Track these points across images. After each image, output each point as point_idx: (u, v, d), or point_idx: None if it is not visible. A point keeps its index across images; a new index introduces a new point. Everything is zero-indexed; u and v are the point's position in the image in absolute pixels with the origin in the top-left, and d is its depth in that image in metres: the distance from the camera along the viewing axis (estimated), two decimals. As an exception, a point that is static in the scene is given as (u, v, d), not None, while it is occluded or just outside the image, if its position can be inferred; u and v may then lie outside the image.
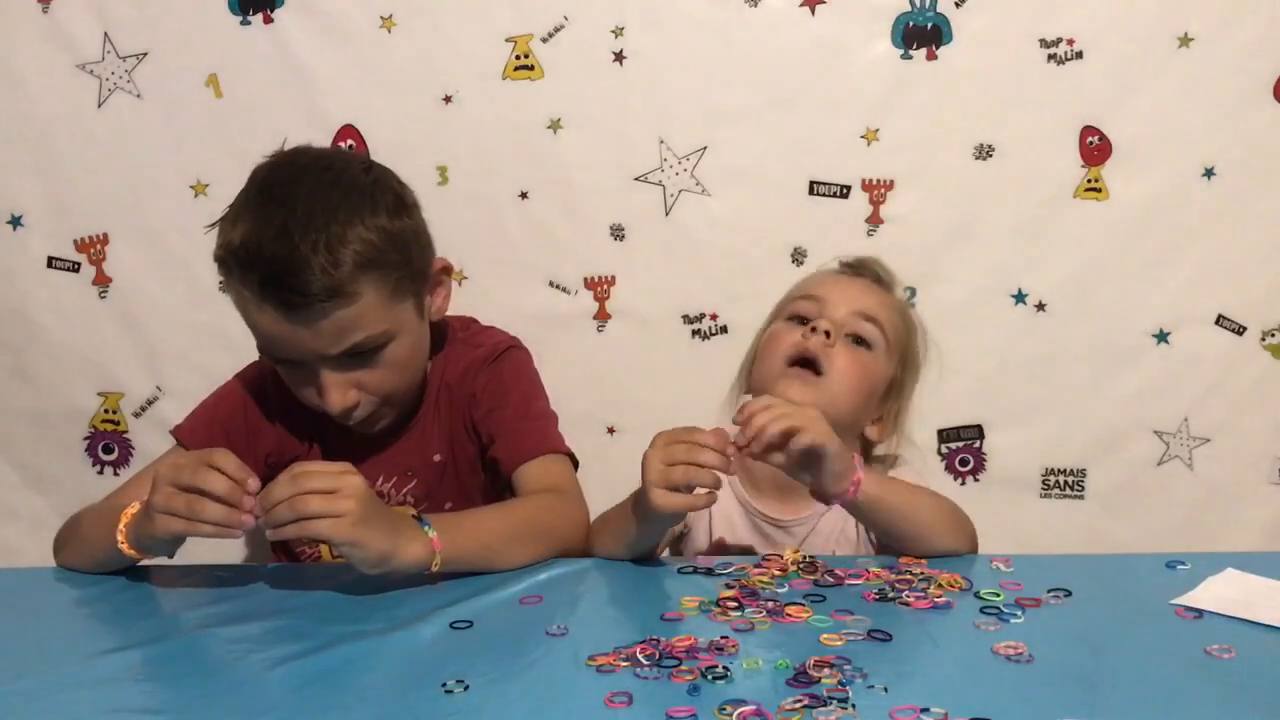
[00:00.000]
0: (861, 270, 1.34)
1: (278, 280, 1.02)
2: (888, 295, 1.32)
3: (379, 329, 1.08)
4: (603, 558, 1.08)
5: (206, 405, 1.23)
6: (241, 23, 1.65)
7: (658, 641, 0.84)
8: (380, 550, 0.94)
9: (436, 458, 1.22)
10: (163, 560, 1.07)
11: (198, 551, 1.60)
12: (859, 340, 1.22)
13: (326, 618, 0.93)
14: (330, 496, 0.92)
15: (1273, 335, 1.68)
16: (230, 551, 1.67)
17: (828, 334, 1.19)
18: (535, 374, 1.27)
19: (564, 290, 1.70)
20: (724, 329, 1.68)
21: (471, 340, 1.26)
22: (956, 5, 1.62)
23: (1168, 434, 1.70)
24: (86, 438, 1.75)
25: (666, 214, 1.68)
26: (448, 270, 1.20)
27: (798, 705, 0.73)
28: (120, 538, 1.00)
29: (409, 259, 1.11)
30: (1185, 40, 1.61)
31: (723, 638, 0.85)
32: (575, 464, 1.20)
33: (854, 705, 0.73)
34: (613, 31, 1.63)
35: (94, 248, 1.71)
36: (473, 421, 1.21)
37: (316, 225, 1.02)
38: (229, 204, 1.09)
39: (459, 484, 1.24)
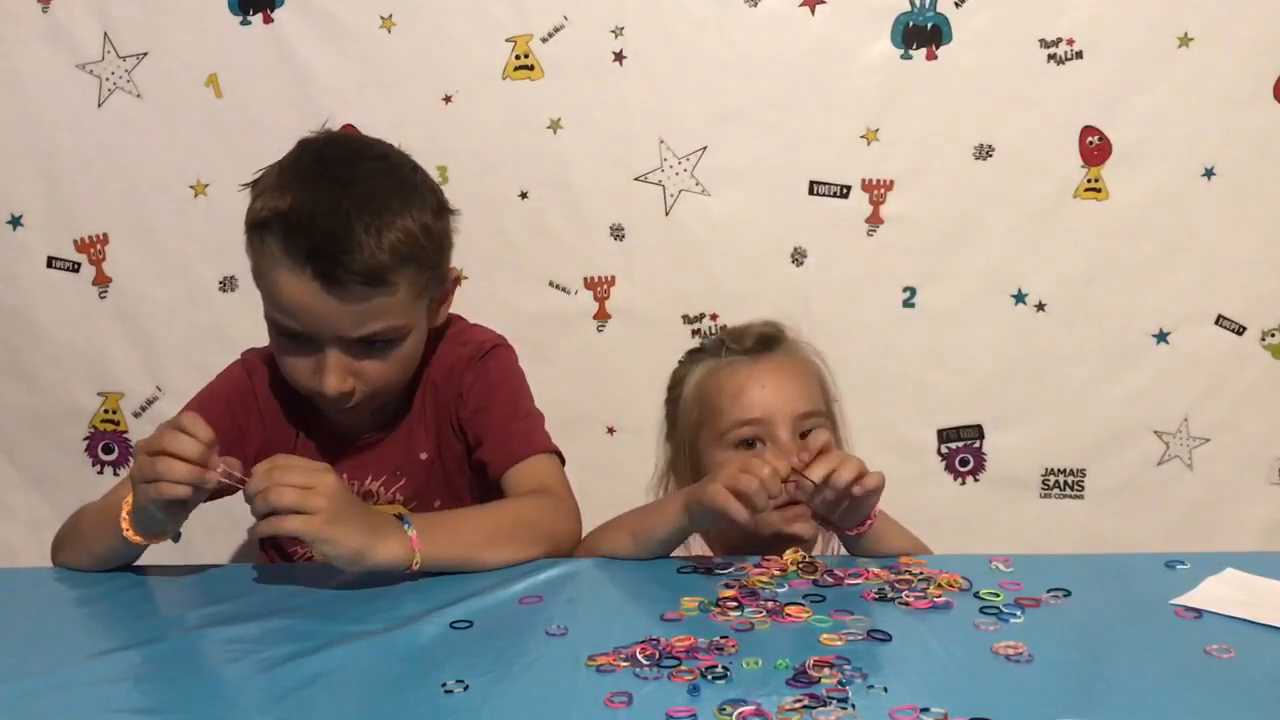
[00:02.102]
0: (772, 345, 1.28)
1: (328, 254, 1.03)
2: (804, 363, 1.27)
3: (400, 322, 1.09)
4: (611, 556, 1.08)
5: (192, 406, 1.23)
6: (241, 23, 1.65)
7: (658, 641, 0.84)
8: (353, 548, 0.95)
9: (423, 456, 1.22)
10: (162, 560, 1.07)
11: (198, 551, 1.61)
12: (808, 435, 1.19)
13: (326, 618, 0.92)
14: (305, 491, 0.94)
15: (1273, 335, 1.68)
16: (225, 551, 1.68)
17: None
18: (521, 373, 1.26)
19: (564, 290, 1.70)
20: (724, 329, 1.68)
21: (458, 338, 1.25)
22: (956, 5, 1.62)
23: (1168, 434, 1.70)
24: (86, 438, 1.75)
25: (666, 214, 1.68)
26: (458, 281, 1.21)
27: (798, 705, 0.73)
28: (124, 524, 1.00)
29: (439, 261, 1.14)
30: (1185, 40, 1.61)
31: (723, 638, 0.85)
32: (562, 460, 1.21)
33: (854, 705, 0.73)
34: (613, 31, 1.63)
35: (94, 248, 1.71)
36: (459, 421, 1.21)
37: (372, 209, 1.04)
38: (268, 169, 1.10)
39: (447, 482, 1.24)
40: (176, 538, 1.03)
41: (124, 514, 1.01)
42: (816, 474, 1.00)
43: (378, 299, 1.06)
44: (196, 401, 1.23)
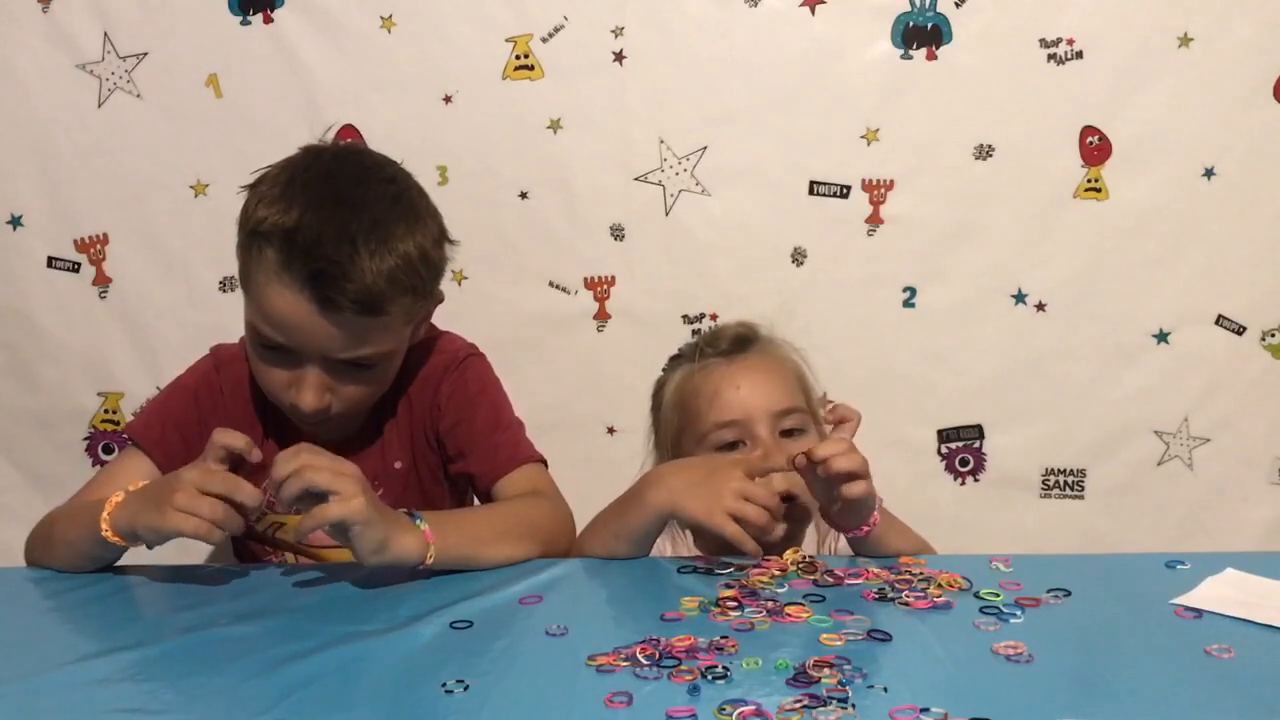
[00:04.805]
0: (746, 345, 1.26)
1: (329, 278, 1.01)
2: (780, 361, 1.25)
3: (387, 347, 1.09)
4: (597, 556, 1.08)
5: (158, 403, 1.22)
6: (241, 23, 1.65)
7: (658, 641, 0.84)
8: (380, 537, 0.95)
9: (398, 465, 1.21)
10: (162, 560, 1.07)
11: (195, 549, 1.60)
12: (790, 432, 1.19)
13: (326, 618, 0.92)
14: (336, 474, 0.94)
15: (1273, 335, 1.68)
16: (224, 551, 1.68)
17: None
18: (497, 382, 1.25)
19: (564, 290, 1.70)
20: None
21: (430, 347, 1.23)
22: (956, 5, 1.62)
23: (1168, 434, 1.70)
24: (86, 438, 1.75)
25: (666, 214, 1.68)
26: (440, 300, 1.20)
27: (798, 705, 0.73)
28: (104, 525, 0.99)
29: (432, 289, 1.13)
30: (1185, 40, 1.61)
31: (723, 638, 0.85)
32: (545, 464, 1.21)
33: (854, 705, 0.73)
34: (613, 31, 1.63)
35: (94, 248, 1.71)
36: (436, 432, 1.20)
37: (379, 236, 1.03)
38: (268, 173, 1.07)
39: (422, 492, 1.22)
40: (151, 545, 1.02)
41: (105, 515, 1.00)
42: (821, 452, 1.00)
43: (370, 325, 1.05)
44: (164, 393, 1.23)
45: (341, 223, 1.02)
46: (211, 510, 0.94)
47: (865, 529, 1.05)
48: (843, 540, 1.13)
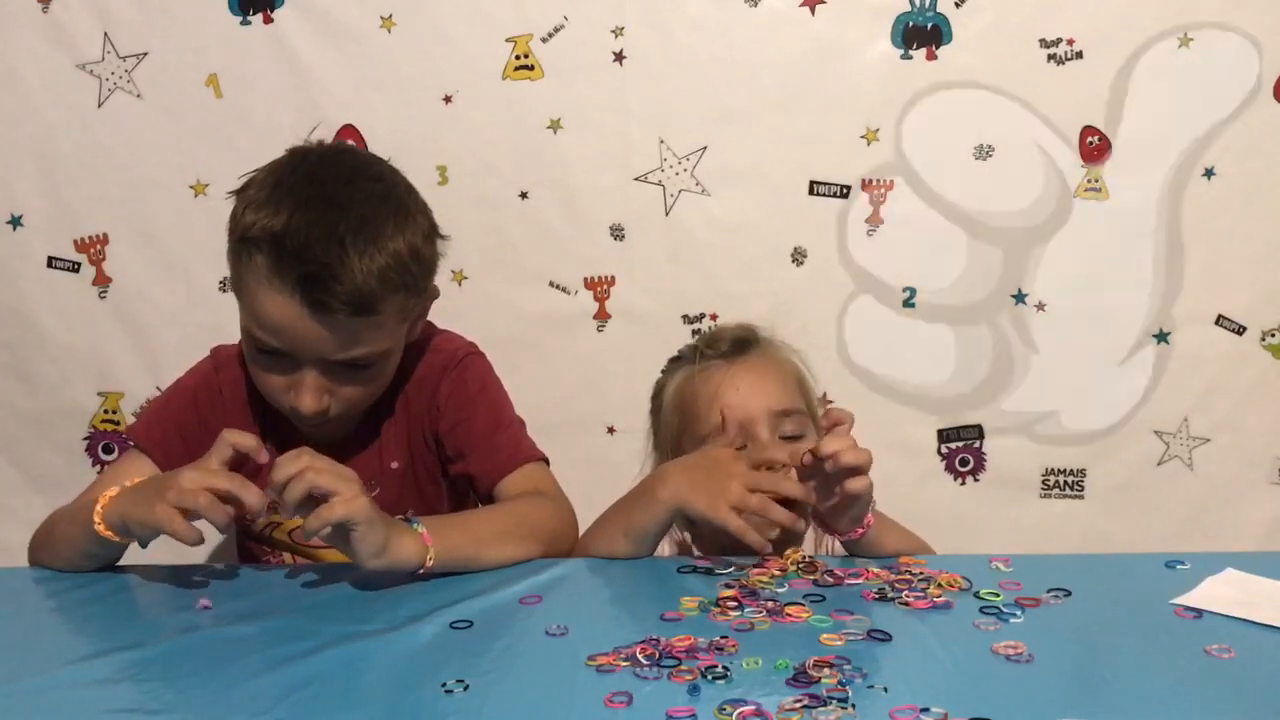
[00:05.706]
0: (746, 347, 1.25)
1: (319, 281, 1.01)
2: (780, 363, 1.25)
3: (383, 347, 1.09)
4: (601, 556, 1.08)
5: (158, 405, 1.22)
6: (241, 23, 1.65)
7: (658, 641, 0.84)
8: (381, 539, 0.95)
9: (394, 465, 1.21)
10: (162, 560, 1.07)
11: (195, 550, 1.60)
12: (792, 437, 1.18)
13: (326, 618, 0.93)
14: (337, 477, 0.94)
15: (1273, 335, 1.68)
16: (225, 550, 1.68)
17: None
18: (498, 381, 1.24)
19: (564, 290, 1.70)
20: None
21: (428, 347, 1.22)
22: (956, 5, 1.62)
23: (1168, 434, 1.70)
24: (86, 438, 1.75)
25: (666, 214, 1.68)
26: (436, 296, 1.19)
27: (798, 705, 0.73)
28: (97, 518, 0.99)
29: (425, 285, 1.12)
30: (1185, 40, 1.61)
31: (723, 638, 0.85)
32: (547, 463, 1.20)
33: (854, 705, 0.73)
34: (613, 31, 1.63)
35: (94, 248, 1.71)
36: (435, 433, 1.20)
37: (367, 236, 1.02)
38: (255, 177, 1.07)
39: (419, 493, 1.22)
40: (144, 543, 1.02)
41: (99, 508, 1.00)
42: (827, 447, 1.00)
43: (363, 325, 1.05)
44: (165, 395, 1.23)
45: (329, 224, 1.02)
46: (194, 500, 0.93)
47: (860, 531, 1.05)
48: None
